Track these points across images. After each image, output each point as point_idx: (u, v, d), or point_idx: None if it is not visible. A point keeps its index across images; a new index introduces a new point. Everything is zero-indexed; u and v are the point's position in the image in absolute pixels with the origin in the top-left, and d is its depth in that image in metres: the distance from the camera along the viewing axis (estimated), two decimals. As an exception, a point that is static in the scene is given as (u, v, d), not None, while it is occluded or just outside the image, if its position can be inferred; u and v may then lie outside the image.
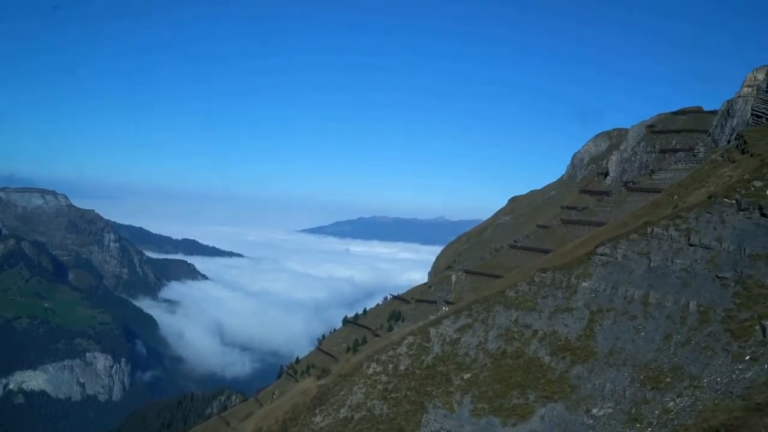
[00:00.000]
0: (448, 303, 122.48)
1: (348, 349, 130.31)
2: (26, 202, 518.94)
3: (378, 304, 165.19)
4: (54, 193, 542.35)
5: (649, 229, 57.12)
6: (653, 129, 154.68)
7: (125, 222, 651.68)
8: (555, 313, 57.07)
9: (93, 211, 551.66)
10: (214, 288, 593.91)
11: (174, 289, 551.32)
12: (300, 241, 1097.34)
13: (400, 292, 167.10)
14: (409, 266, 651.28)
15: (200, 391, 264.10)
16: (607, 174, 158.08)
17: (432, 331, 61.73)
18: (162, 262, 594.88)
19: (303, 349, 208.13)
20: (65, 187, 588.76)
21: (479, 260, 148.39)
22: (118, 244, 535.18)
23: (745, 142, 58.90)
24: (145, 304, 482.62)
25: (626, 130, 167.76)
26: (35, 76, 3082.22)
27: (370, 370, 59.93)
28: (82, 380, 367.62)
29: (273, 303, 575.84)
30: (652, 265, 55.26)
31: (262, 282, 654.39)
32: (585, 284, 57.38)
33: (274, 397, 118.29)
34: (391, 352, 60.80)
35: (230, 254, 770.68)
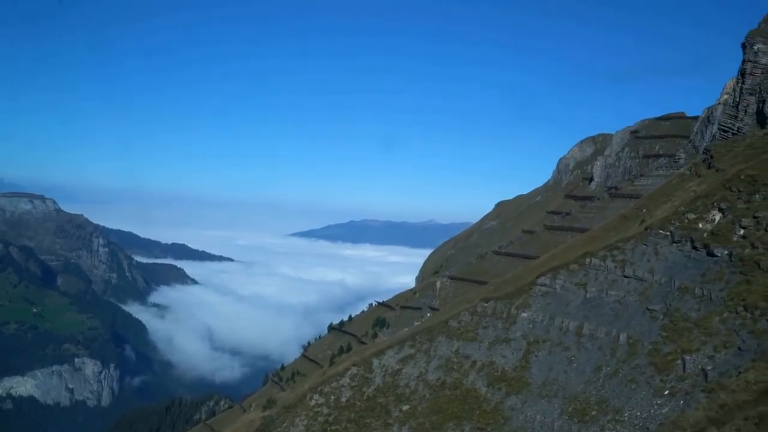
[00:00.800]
0: (432, 309, 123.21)
1: (333, 356, 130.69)
2: (14, 206, 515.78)
3: (363, 311, 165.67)
4: (42, 198, 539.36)
5: (587, 260, 58.11)
6: (637, 134, 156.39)
7: (114, 226, 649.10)
8: (494, 344, 57.96)
9: (82, 215, 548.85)
10: (204, 292, 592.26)
11: (163, 294, 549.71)
12: (291, 244, 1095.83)
13: (387, 298, 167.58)
14: (400, 269, 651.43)
15: (190, 396, 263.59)
16: (591, 179, 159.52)
17: (375, 361, 62.63)
18: (151, 267, 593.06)
19: (293, 353, 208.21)
20: (54, 192, 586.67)
21: (464, 266, 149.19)
22: (107, 249, 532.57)
23: (711, 157, 60.05)
24: (135, 309, 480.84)
25: (611, 136, 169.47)
26: (22, 80, 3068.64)
27: (313, 402, 60.66)
28: (70, 386, 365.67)
29: (263, 307, 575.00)
30: (588, 296, 56.28)
31: (253, 286, 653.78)
32: (524, 315, 58.38)
33: (252, 407, 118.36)
34: (334, 384, 61.58)
35: (220, 258, 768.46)
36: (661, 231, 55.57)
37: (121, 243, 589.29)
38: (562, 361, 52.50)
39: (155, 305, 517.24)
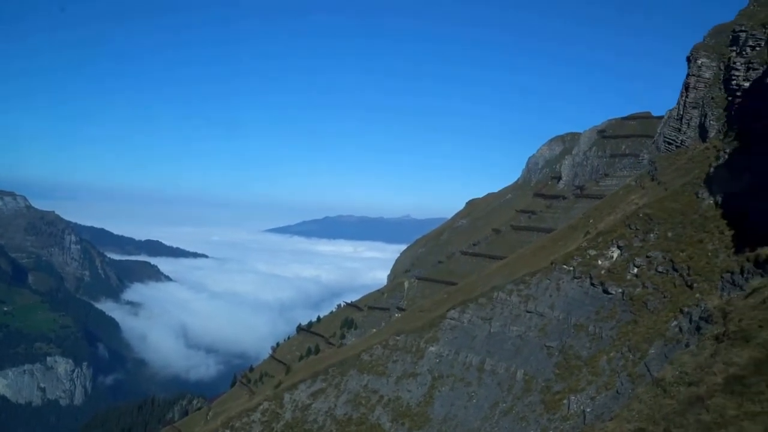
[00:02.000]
0: (400, 310, 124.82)
1: (301, 357, 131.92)
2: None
3: (332, 312, 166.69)
4: (13, 195, 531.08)
5: (495, 294, 59.27)
6: (604, 134, 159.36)
7: (86, 223, 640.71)
8: (401, 378, 59.21)
9: (53, 212, 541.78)
10: (178, 289, 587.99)
11: (137, 291, 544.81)
12: (265, 241, 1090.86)
13: (363, 294, 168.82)
14: (375, 265, 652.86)
15: (164, 394, 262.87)
16: (560, 178, 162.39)
17: (287, 396, 63.90)
18: (124, 264, 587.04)
19: (269, 350, 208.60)
20: (25, 189, 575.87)
21: (433, 266, 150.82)
22: (79, 246, 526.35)
23: (655, 169, 62.32)
24: (108, 307, 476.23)
25: (579, 135, 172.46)
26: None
27: (224, 438, 61.74)
28: (42, 385, 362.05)
29: (238, 304, 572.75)
30: (492, 330, 57.44)
31: (228, 283, 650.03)
32: (432, 349, 59.49)
33: (208, 418, 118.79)
34: (245, 419, 62.74)
35: (194, 255, 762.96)
36: (564, 266, 56.60)
37: (94, 240, 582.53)
38: (462, 397, 53.48)
39: (129, 303, 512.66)
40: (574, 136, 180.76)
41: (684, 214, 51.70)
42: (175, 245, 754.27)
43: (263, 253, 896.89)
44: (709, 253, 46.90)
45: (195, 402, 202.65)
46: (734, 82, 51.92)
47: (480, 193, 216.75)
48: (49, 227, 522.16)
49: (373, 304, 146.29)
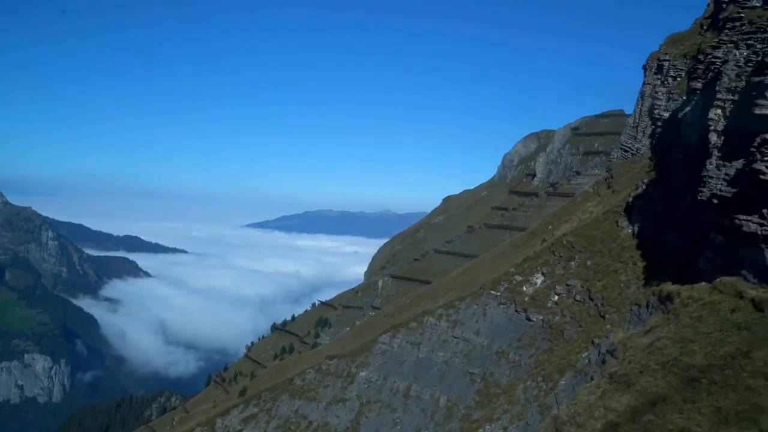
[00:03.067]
0: (374, 308, 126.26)
1: (275, 357, 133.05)
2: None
3: (306, 310, 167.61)
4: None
5: (425, 319, 60.10)
6: (578, 131, 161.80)
7: (64, 219, 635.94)
8: (331, 404, 60.11)
9: (30, 208, 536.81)
10: (157, 285, 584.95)
11: (115, 288, 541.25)
12: (245, 236, 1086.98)
13: (342, 290, 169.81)
14: (356, 260, 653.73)
15: (143, 391, 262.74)
16: (534, 175, 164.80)
17: (219, 422, 64.83)
18: (103, 260, 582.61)
19: (247, 347, 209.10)
20: (0, 185, 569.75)
21: (407, 264, 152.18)
22: (56, 242, 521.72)
23: (611, 177, 64.37)
24: (86, 304, 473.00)
25: (554, 132, 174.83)
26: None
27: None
28: (20, 382, 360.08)
29: (218, 299, 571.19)
30: (420, 356, 58.35)
31: (207, 278, 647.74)
32: (363, 374, 60.33)
33: (173, 423, 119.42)
34: None
35: (174, 250, 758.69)
36: (492, 291, 57.55)
37: (72, 236, 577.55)
38: (388, 423, 54.56)
39: (107, 299, 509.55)
40: (548, 134, 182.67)
41: (603, 242, 52.76)
42: (154, 241, 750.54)
43: (243, 248, 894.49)
44: (622, 284, 47.79)
45: (173, 400, 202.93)
46: (656, 111, 52.02)
47: (460, 187, 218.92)
48: (26, 223, 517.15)
49: (347, 303, 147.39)
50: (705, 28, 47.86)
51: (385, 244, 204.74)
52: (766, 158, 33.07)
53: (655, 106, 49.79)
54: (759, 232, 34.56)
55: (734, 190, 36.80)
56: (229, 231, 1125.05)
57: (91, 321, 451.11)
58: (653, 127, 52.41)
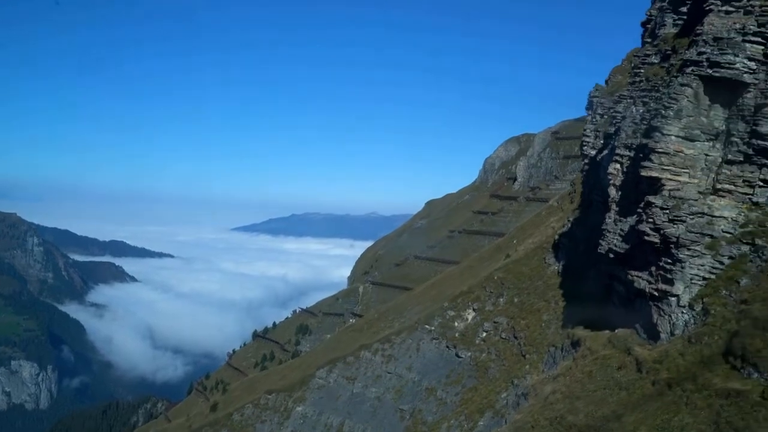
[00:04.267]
0: (355, 315, 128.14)
1: (256, 364, 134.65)
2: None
3: (287, 318, 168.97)
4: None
5: (362, 353, 60.72)
6: (558, 135, 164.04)
7: (49, 224, 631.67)
8: None
9: (15, 214, 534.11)
10: (143, 290, 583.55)
11: (102, 293, 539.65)
12: (232, 239, 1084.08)
13: (328, 293, 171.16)
14: (343, 262, 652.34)
15: (131, 396, 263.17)
16: (515, 179, 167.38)
17: None
18: (89, 265, 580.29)
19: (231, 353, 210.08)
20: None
21: (388, 270, 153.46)
22: (41, 248, 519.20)
23: (575, 191, 66.76)
24: (72, 309, 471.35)
25: (534, 136, 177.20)
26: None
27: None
28: (7, 389, 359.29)
29: (205, 304, 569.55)
30: (354, 391, 59.05)
31: (194, 282, 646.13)
32: (299, 409, 60.80)
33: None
34: None
35: (160, 255, 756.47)
36: (426, 326, 58.69)
37: (57, 241, 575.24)
38: None
39: (93, 305, 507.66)
40: (529, 137, 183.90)
41: (531, 279, 53.92)
42: (140, 245, 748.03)
43: (230, 252, 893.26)
44: (543, 324, 48.73)
45: (159, 405, 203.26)
46: (585, 148, 51.47)
47: (448, 186, 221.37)
48: (11, 229, 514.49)
49: (327, 310, 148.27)
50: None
51: (369, 249, 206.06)
52: (650, 220, 34.88)
53: (584, 143, 50.50)
54: (647, 290, 36.22)
55: (627, 247, 38.57)
56: (215, 235, 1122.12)
57: (77, 327, 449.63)
58: (583, 162, 52.99)
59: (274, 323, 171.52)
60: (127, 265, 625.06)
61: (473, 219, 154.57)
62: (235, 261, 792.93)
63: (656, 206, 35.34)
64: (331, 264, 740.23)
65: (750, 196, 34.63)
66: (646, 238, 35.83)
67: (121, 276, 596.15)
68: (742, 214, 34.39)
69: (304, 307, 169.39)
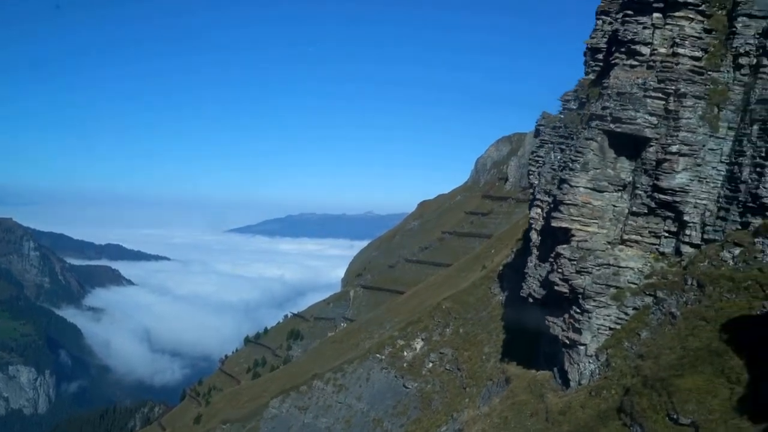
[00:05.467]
0: (347, 320, 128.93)
1: (248, 370, 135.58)
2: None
3: (279, 323, 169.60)
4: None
5: (314, 382, 60.68)
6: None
7: (45, 229, 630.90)
8: None
9: (11, 219, 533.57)
10: (140, 293, 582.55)
11: (98, 297, 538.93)
12: (228, 241, 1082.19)
13: (324, 295, 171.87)
14: (339, 262, 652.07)
15: (129, 400, 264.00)
16: (507, 179, 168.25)
17: None
18: (85, 269, 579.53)
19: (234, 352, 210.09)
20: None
21: (380, 273, 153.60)
22: (38, 253, 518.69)
23: None
24: (69, 313, 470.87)
25: (525, 135, 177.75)
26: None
27: None
28: (5, 394, 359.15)
29: (202, 306, 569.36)
30: (305, 421, 59.10)
31: (191, 285, 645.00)
32: None
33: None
34: None
35: (156, 258, 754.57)
36: (377, 355, 59.11)
37: (54, 245, 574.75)
38: None
39: (90, 308, 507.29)
40: (520, 137, 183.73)
41: (477, 309, 54.20)
42: (136, 248, 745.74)
43: (226, 253, 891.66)
44: (484, 357, 49.17)
45: (156, 410, 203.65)
46: (531, 177, 50.26)
47: (444, 184, 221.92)
48: (7, 234, 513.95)
49: (319, 315, 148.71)
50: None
51: (362, 251, 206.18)
52: (560, 270, 35.68)
53: (530, 172, 49.25)
54: (560, 337, 37.03)
55: (544, 293, 39.24)
56: (211, 237, 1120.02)
57: (74, 331, 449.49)
58: (530, 191, 52.52)
59: (266, 328, 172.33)
60: (124, 268, 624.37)
61: (465, 220, 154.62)
62: (232, 263, 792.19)
63: (564, 257, 35.93)
64: (327, 264, 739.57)
65: (656, 246, 35.44)
66: (556, 288, 36.38)
67: (117, 279, 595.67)
68: (649, 264, 35.07)
69: (296, 312, 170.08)
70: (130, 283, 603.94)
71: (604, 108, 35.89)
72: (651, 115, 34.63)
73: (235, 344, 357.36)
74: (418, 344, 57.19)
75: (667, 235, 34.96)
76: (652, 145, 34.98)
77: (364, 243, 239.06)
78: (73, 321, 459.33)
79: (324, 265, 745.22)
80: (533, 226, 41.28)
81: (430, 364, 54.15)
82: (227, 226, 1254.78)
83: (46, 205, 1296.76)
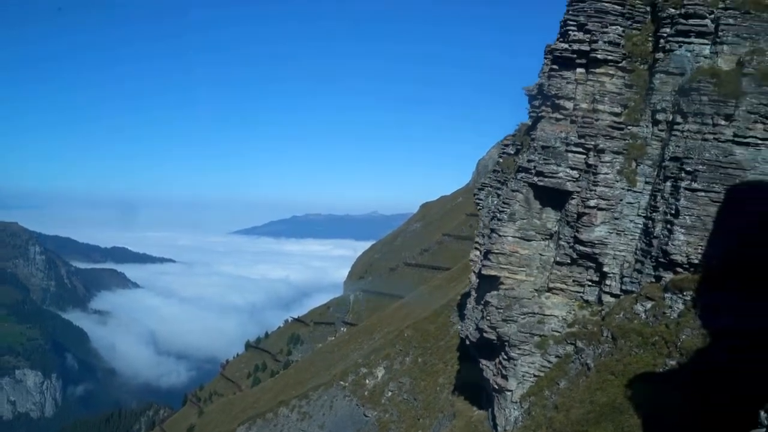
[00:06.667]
0: (347, 324, 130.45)
1: (249, 375, 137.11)
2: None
3: (279, 327, 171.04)
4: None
5: (280, 410, 61.03)
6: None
7: (51, 232, 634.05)
8: None
9: (16, 223, 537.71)
10: (146, 296, 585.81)
11: (104, 300, 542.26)
12: (233, 243, 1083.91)
13: (329, 297, 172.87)
14: (345, 263, 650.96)
15: (135, 402, 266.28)
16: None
17: None
18: (91, 272, 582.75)
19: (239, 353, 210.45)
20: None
21: (381, 275, 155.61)
22: (43, 257, 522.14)
23: None
24: (75, 317, 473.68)
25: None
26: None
27: None
28: (12, 398, 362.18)
29: (208, 308, 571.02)
30: None
31: (196, 287, 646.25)
32: None
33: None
34: None
35: (162, 260, 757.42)
36: (341, 382, 59.54)
37: (59, 249, 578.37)
38: None
39: (96, 312, 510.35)
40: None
41: (436, 338, 54.57)
42: (141, 251, 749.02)
43: (231, 255, 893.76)
44: (438, 388, 49.69)
45: (161, 413, 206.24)
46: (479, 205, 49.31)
47: (448, 184, 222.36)
48: (13, 239, 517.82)
49: (319, 319, 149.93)
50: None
51: (364, 253, 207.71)
52: (488, 318, 36.55)
53: (478, 202, 49.26)
54: (491, 381, 37.92)
55: (479, 336, 39.63)
56: (216, 238, 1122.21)
57: (80, 334, 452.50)
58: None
59: (267, 333, 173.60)
60: (129, 271, 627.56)
61: (466, 222, 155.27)
62: (237, 264, 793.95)
63: (492, 305, 36.86)
64: (333, 265, 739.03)
65: (581, 294, 36.35)
66: (485, 335, 37.34)
67: (123, 282, 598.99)
68: (573, 312, 35.93)
69: (296, 317, 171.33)
70: (135, 285, 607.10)
71: (529, 161, 36.90)
72: (572, 169, 35.59)
73: (240, 346, 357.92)
74: (380, 372, 57.84)
75: (590, 284, 35.82)
76: (573, 198, 35.91)
77: (370, 243, 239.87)
78: (79, 324, 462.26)
79: (329, 266, 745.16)
80: (472, 268, 42.15)
81: (390, 393, 54.70)
82: (232, 227, 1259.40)
83: (51, 208, 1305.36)
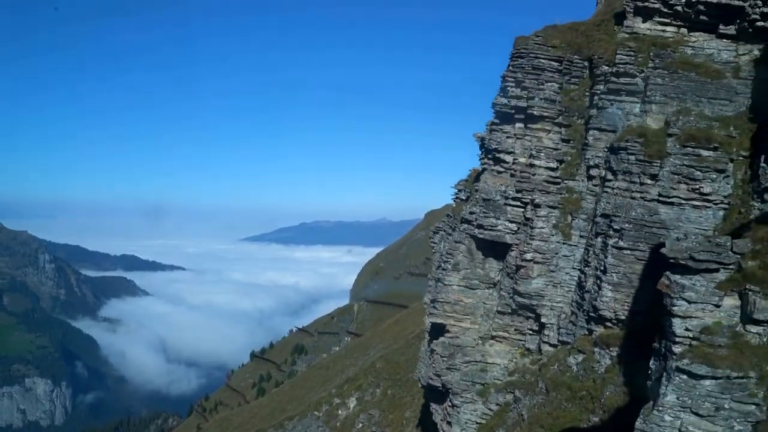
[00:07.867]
0: (350, 334, 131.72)
1: (254, 385, 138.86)
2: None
3: (284, 337, 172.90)
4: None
5: None
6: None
7: (60, 241, 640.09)
8: None
9: (26, 232, 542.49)
10: (155, 303, 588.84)
11: (114, 307, 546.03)
12: (242, 250, 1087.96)
13: (340, 303, 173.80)
14: (353, 269, 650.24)
15: (145, 410, 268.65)
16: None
17: None
18: (100, 280, 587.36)
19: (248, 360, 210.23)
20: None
21: (386, 284, 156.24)
22: (53, 265, 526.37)
23: None
24: (85, 325, 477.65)
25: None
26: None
27: None
28: (22, 407, 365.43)
29: (217, 315, 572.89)
30: None
31: (206, 294, 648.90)
32: None
33: None
34: None
35: (171, 268, 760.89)
36: (315, 412, 60.45)
37: (69, 257, 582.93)
38: None
39: (106, 319, 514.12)
40: None
41: (405, 370, 55.34)
42: (151, 259, 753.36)
43: (241, 262, 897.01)
44: (404, 422, 50.64)
45: (170, 421, 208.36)
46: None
47: (449, 193, 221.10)
48: (23, 247, 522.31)
49: (323, 329, 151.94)
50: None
51: (370, 261, 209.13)
52: (433, 365, 37.89)
53: (432, 245, 48.77)
54: (438, 426, 38.84)
55: (429, 381, 40.33)
56: (225, 246, 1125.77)
57: (90, 342, 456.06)
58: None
59: (272, 343, 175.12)
60: (139, 278, 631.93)
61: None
62: (246, 271, 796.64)
63: (437, 353, 38.02)
64: (342, 271, 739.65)
65: (522, 342, 37.43)
66: (430, 382, 38.55)
67: (133, 290, 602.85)
68: (515, 360, 37.00)
69: (300, 327, 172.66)
70: (145, 293, 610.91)
71: (471, 213, 37.91)
72: (511, 222, 36.54)
73: (249, 353, 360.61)
74: (352, 403, 58.95)
75: (530, 332, 36.75)
76: (513, 250, 36.89)
77: (378, 250, 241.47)
78: (88, 332, 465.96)
79: (338, 272, 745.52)
80: (426, 310, 43.26)
81: (360, 425, 55.76)
82: (241, 234, 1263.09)
83: (61, 217, 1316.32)
